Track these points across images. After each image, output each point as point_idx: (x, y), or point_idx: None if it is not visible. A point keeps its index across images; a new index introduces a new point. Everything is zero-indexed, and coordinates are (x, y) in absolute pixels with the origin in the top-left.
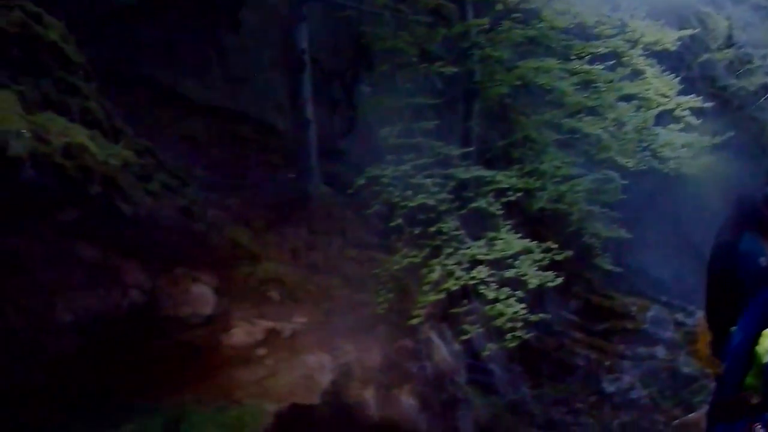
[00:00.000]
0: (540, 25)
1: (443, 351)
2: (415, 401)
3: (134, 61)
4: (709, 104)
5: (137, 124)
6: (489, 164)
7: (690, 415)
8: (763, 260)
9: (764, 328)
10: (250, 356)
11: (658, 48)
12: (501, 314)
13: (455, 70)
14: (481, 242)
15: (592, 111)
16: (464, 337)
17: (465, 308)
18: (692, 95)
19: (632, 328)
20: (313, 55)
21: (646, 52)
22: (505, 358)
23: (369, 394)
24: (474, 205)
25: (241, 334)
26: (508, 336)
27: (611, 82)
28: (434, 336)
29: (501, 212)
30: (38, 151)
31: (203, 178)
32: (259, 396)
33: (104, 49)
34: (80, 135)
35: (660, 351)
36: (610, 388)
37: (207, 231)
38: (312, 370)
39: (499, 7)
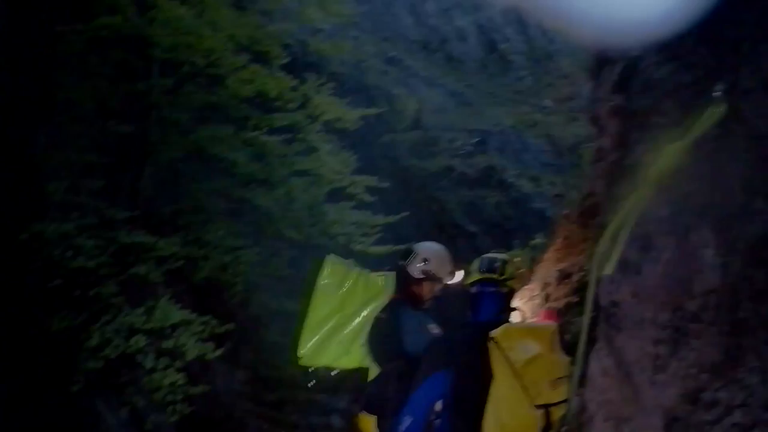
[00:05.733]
0: (222, 93)
1: (110, 420)
2: None
3: None
4: (386, 184)
5: None
6: (155, 230)
7: None
8: (432, 327)
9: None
10: None
11: (338, 126)
12: (159, 386)
13: (131, 129)
14: (140, 310)
15: (263, 183)
16: (127, 408)
17: (126, 378)
18: (370, 174)
19: (304, 399)
20: None
21: (326, 129)
22: (174, 429)
23: None
24: (133, 271)
25: None
26: (168, 409)
27: (285, 156)
28: (100, 405)
29: (161, 280)
30: None
31: None
32: None
33: None
34: None
35: (335, 420)
36: None
37: None
38: None
39: (186, 69)
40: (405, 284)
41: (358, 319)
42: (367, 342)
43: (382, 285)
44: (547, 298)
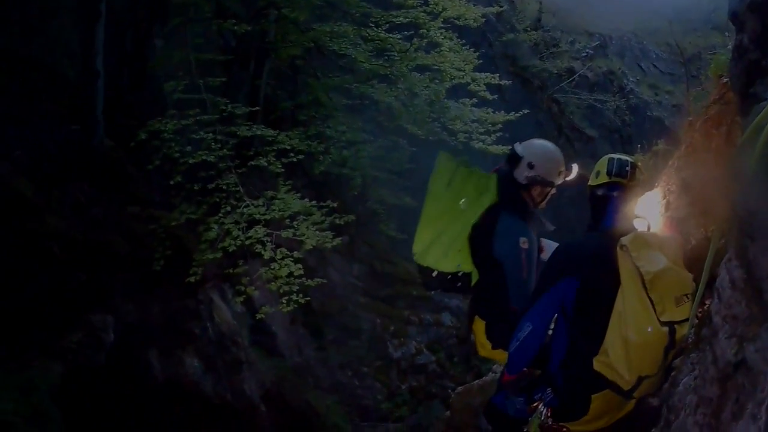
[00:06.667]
0: None
1: (225, 312)
2: (198, 362)
3: None
4: (507, 82)
5: None
6: (275, 125)
7: (475, 382)
8: (523, 241)
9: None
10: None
11: (460, 23)
12: (276, 276)
13: (249, 27)
14: (260, 201)
15: (384, 79)
16: (241, 299)
17: (243, 269)
18: (490, 72)
19: (417, 295)
20: (108, 5)
21: (447, 26)
22: (288, 320)
23: (152, 355)
24: (253, 163)
25: None
26: (283, 300)
27: (406, 51)
28: (215, 296)
29: (281, 172)
30: None
31: None
32: (47, 356)
33: None
34: None
35: (446, 317)
36: (396, 353)
37: None
38: (96, 330)
39: None
40: (510, 190)
41: (459, 222)
42: (468, 245)
43: (492, 185)
44: (667, 207)
